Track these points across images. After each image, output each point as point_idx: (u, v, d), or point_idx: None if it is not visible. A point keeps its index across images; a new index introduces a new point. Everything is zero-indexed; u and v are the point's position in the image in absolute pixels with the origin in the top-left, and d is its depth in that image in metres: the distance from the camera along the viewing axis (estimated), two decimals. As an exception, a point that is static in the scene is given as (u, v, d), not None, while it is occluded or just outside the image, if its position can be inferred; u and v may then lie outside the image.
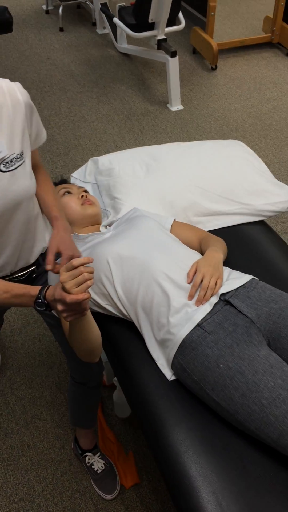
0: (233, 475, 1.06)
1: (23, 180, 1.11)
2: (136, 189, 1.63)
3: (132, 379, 1.26)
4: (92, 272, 0.96)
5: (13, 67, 3.82)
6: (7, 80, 1.09)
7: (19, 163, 1.10)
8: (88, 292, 0.97)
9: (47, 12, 4.60)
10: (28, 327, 2.10)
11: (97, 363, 1.41)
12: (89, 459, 1.62)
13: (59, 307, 0.98)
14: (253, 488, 1.04)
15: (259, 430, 1.06)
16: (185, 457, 1.09)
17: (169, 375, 1.22)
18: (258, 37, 3.96)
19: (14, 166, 1.09)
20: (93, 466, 1.61)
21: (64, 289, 0.95)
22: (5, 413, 1.82)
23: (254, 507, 1.01)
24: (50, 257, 1.17)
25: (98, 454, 1.63)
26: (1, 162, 1.06)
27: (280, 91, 3.53)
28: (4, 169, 1.07)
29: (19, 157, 1.10)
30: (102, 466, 1.61)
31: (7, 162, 1.07)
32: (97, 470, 1.60)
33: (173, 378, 1.22)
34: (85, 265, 0.95)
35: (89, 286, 0.95)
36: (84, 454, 1.63)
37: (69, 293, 0.95)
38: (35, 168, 1.25)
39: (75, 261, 0.94)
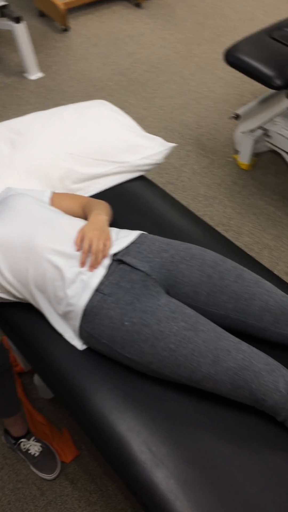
0: (158, 420, 1.11)
1: None
2: (5, 168, 1.55)
3: (43, 359, 1.24)
4: None
5: None
6: None
7: None
8: None
9: None
10: None
11: None
12: (24, 445, 1.60)
13: None
14: (178, 426, 1.10)
15: (173, 373, 1.11)
16: (110, 417, 1.11)
17: (79, 345, 1.23)
18: (108, -9, 3.88)
19: None
20: (29, 451, 1.60)
21: None
22: None
23: (182, 443, 1.07)
24: None
25: (33, 438, 1.62)
26: None
27: (138, 43, 3.52)
28: None
29: None
30: (39, 449, 1.60)
31: None
32: (34, 453, 1.59)
33: (84, 347, 1.23)
34: None
35: None
36: (19, 442, 1.61)
37: None
38: None
39: None
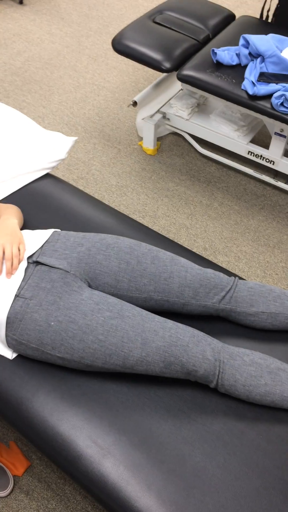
0: (99, 413, 1.11)
1: None
2: None
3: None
4: None
5: None
6: None
7: None
8: None
9: None
10: None
11: None
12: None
13: None
14: (120, 413, 1.11)
15: (106, 363, 1.12)
16: (51, 419, 1.10)
17: (9, 354, 1.20)
18: (-13, -10, 3.74)
19: None
20: (-22, 473, 1.54)
21: None
22: None
23: (126, 429, 1.09)
24: None
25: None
26: None
27: (27, 41, 3.44)
28: None
29: None
30: (-13, 469, 1.55)
31: None
32: (-16, 475, 1.54)
33: (14, 355, 1.20)
34: None
35: None
36: None
37: None
38: None
39: None
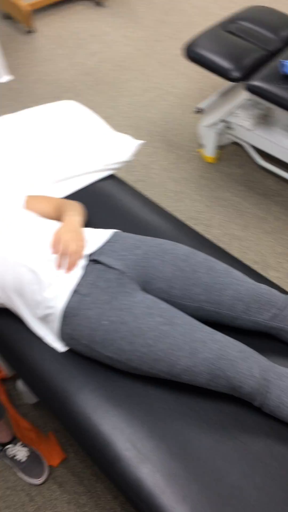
0: (141, 417, 1.12)
1: None
2: None
3: (25, 364, 1.24)
4: None
5: None
6: None
7: None
8: None
9: None
10: None
11: None
12: (10, 451, 1.59)
13: None
14: (161, 420, 1.11)
15: (152, 368, 1.12)
16: (94, 417, 1.12)
17: (60, 347, 1.23)
18: (67, -9, 3.86)
19: None
20: (16, 457, 1.59)
21: None
22: None
23: (166, 437, 1.09)
24: None
25: (19, 443, 1.61)
26: None
27: (102, 42, 3.51)
28: None
29: None
30: (26, 454, 1.60)
31: None
32: (21, 459, 1.59)
33: (65, 349, 1.23)
34: None
35: None
36: (4, 448, 1.60)
37: None
38: None
39: None
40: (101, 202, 1.62)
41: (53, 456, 1.63)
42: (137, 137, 2.77)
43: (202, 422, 1.12)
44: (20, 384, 1.70)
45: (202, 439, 1.09)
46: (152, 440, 1.08)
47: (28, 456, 1.59)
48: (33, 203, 1.45)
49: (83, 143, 1.65)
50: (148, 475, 1.03)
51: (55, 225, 1.33)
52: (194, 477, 1.03)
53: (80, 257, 1.23)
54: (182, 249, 1.29)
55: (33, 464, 1.59)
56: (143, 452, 1.06)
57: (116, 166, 1.69)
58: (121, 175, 2.54)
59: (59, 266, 1.21)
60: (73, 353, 1.23)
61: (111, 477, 1.08)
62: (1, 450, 1.60)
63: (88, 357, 1.22)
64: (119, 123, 2.87)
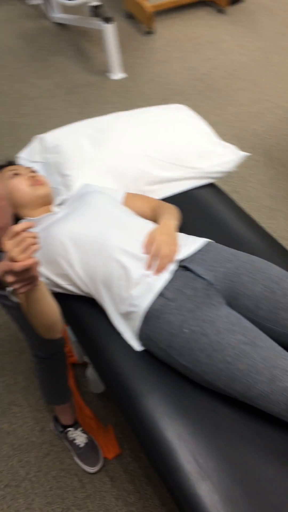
0: (207, 432, 1.10)
1: None
2: (85, 164, 1.60)
3: (101, 354, 1.27)
4: (35, 237, 0.94)
5: None
6: None
7: None
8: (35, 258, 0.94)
9: None
10: (-7, 316, 2.07)
11: None
12: (71, 434, 1.65)
13: (9, 278, 0.96)
14: (227, 442, 1.08)
15: (227, 386, 1.10)
16: (160, 422, 1.12)
17: (136, 346, 1.24)
18: (192, -4, 3.89)
19: None
20: (75, 441, 1.64)
21: (11, 259, 0.93)
22: (-21, 405, 1.81)
23: (229, 459, 1.06)
24: None
25: (80, 429, 1.66)
26: None
27: (217, 49, 3.50)
28: None
29: None
30: (84, 440, 1.64)
31: None
32: (79, 444, 1.63)
33: (141, 348, 1.24)
34: (27, 230, 0.94)
35: (36, 250, 0.94)
36: (66, 430, 1.65)
37: (16, 261, 0.93)
38: None
39: (16, 227, 0.92)
40: (196, 208, 1.61)
41: (109, 449, 1.65)
42: (239, 148, 2.73)
43: (269, 451, 1.07)
44: (90, 372, 1.75)
45: (267, 469, 1.04)
46: (216, 459, 1.06)
47: (86, 443, 1.63)
48: (132, 200, 1.47)
49: (188, 149, 1.65)
50: (207, 494, 1.01)
51: (150, 225, 1.34)
52: (254, 509, 0.99)
53: (170, 261, 1.23)
54: (275, 270, 1.24)
55: (89, 452, 1.62)
56: (204, 469, 1.04)
57: (217, 175, 1.68)
58: (216, 183, 2.51)
59: (149, 266, 1.22)
60: (148, 354, 1.24)
61: (168, 486, 1.07)
62: (63, 431, 1.66)
63: (162, 361, 1.21)
64: (222, 132, 2.84)
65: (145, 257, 1.23)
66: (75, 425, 1.66)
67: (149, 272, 1.22)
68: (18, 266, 0.92)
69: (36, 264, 0.94)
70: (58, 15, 3.70)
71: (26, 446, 1.69)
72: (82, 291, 1.29)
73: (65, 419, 1.65)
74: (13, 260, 0.92)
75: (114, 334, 1.27)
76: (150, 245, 1.24)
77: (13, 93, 3.22)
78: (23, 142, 2.87)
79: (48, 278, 1.30)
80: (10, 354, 1.94)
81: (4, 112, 3.07)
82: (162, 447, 1.09)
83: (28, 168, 1.50)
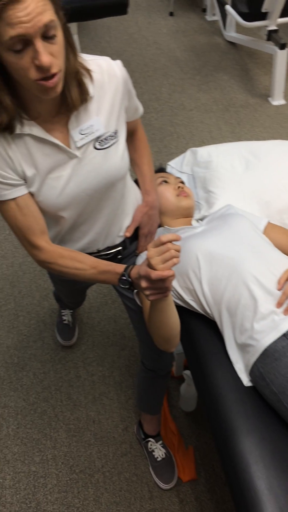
0: (301, 495, 1.02)
1: (115, 159, 1.10)
2: (232, 185, 1.59)
3: (207, 377, 1.24)
4: (178, 251, 0.95)
5: (120, 49, 3.87)
6: (107, 58, 1.07)
7: (112, 142, 1.09)
8: (173, 271, 0.96)
9: (158, -5, 4.59)
10: (106, 307, 2.15)
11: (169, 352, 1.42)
12: (151, 445, 1.64)
13: (143, 283, 0.98)
14: None
15: None
16: (254, 468, 1.06)
17: (246, 380, 1.20)
18: None
19: (108, 144, 1.08)
20: (153, 453, 1.63)
21: (149, 266, 0.95)
22: (75, 385, 1.89)
23: None
24: (132, 227, 1.29)
25: (160, 442, 1.65)
26: (97, 140, 1.06)
27: None
28: (99, 146, 1.07)
29: (113, 136, 1.09)
30: (162, 455, 1.63)
31: (102, 140, 1.07)
32: (157, 457, 1.62)
33: (249, 384, 1.19)
34: (173, 242, 0.95)
35: (175, 264, 0.94)
36: (147, 439, 1.66)
37: (155, 270, 0.94)
38: (134, 133, 1.26)
39: (164, 237, 0.93)
40: None
41: (185, 470, 1.62)
42: None
43: None
44: (183, 388, 1.73)
45: None
46: (305, 526, 0.98)
47: (164, 458, 1.62)
48: (273, 231, 1.43)
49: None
50: None
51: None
52: None
53: (303, 304, 1.17)
54: None
55: (165, 467, 1.61)
56: (290, 533, 0.97)
57: None
58: None
59: (280, 304, 1.17)
60: (255, 391, 1.19)
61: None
62: (144, 439, 1.66)
63: (269, 404, 1.16)
64: None
65: (278, 293, 1.18)
66: (157, 437, 1.66)
67: (279, 310, 1.16)
68: (155, 274, 0.94)
69: (172, 277, 0.95)
70: (232, 34, 3.75)
71: (107, 439, 1.73)
72: (203, 309, 1.28)
73: (149, 429, 1.66)
74: (152, 267, 0.95)
75: (225, 361, 1.24)
76: (285, 282, 1.19)
77: (171, 102, 3.33)
78: (169, 149, 2.95)
79: (173, 289, 1.31)
80: (112, 348, 2.01)
81: (158, 118, 3.18)
82: (250, 494, 1.03)
83: (177, 178, 1.53)
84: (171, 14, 4.30)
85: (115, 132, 1.09)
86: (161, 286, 0.98)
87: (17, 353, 1.99)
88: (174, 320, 1.11)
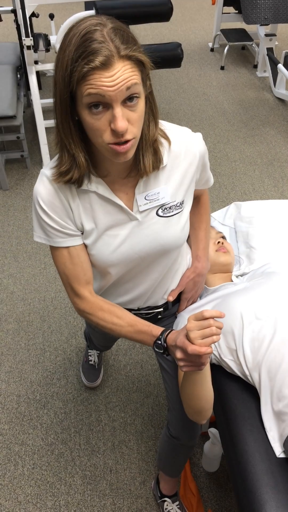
0: None
1: (175, 228, 1.10)
2: (274, 243, 1.57)
3: (236, 442, 1.19)
4: (220, 328, 0.92)
5: (170, 98, 4.00)
6: (188, 130, 1.08)
7: (177, 211, 1.09)
8: (211, 348, 0.93)
9: (212, 50, 4.75)
10: (133, 351, 2.12)
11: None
12: (167, 505, 1.57)
13: (178, 354, 0.96)
14: None
15: None
16: None
17: (278, 451, 1.13)
18: None
19: (171, 214, 1.08)
20: (169, 514, 1.56)
21: (187, 338, 0.92)
22: (96, 430, 1.84)
23: None
24: (176, 291, 1.26)
25: (177, 503, 1.57)
26: (161, 207, 1.06)
27: None
28: (161, 214, 1.07)
29: (179, 206, 1.09)
30: (179, 517, 1.55)
31: (166, 208, 1.07)
32: (173, 519, 1.54)
33: (282, 455, 1.13)
34: (215, 319, 0.92)
35: (214, 342, 0.91)
36: (163, 499, 1.58)
37: (192, 343, 0.91)
38: (199, 198, 1.26)
39: (206, 312, 0.91)
40: None
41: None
42: None
43: None
44: (208, 448, 1.66)
45: None
46: None
47: (180, 520, 1.54)
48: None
49: None
50: None
51: None
52: None
53: None
54: None
55: (182, 531, 1.52)
56: None
57: None
58: None
59: None
60: (287, 464, 1.12)
61: None
62: (160, 497, 1.59)
63: (301, 480, 1.09)
64: None
65: None
66: (174, 497, 1.58)
67: None
68: (192, 349, 0.91)
69: (210, 354, 0.92)
70: (282, 91, 3.82)
71: (123, 492, 1.66)
72: (241, 371, 1.23)
73: (165, 489, 1.58)
74: (190, 340, 0.92)
75: (257, 427, 1.18)
76: None
77: (215, 152, 3.38)
78: (211, 198, 2.97)
79: (214, 348, 1.27)
80: (137, 394, 1.96)
81: (203, 166, 3.23)
82: None
83: (219, 233, 1.52)
84: (222, 68, 4.43)
85: (181, 203, 1.09)
86: (196, 361, 0.95)
87: (40, 390, 1.97)
88: (207, 393, 1.07)
